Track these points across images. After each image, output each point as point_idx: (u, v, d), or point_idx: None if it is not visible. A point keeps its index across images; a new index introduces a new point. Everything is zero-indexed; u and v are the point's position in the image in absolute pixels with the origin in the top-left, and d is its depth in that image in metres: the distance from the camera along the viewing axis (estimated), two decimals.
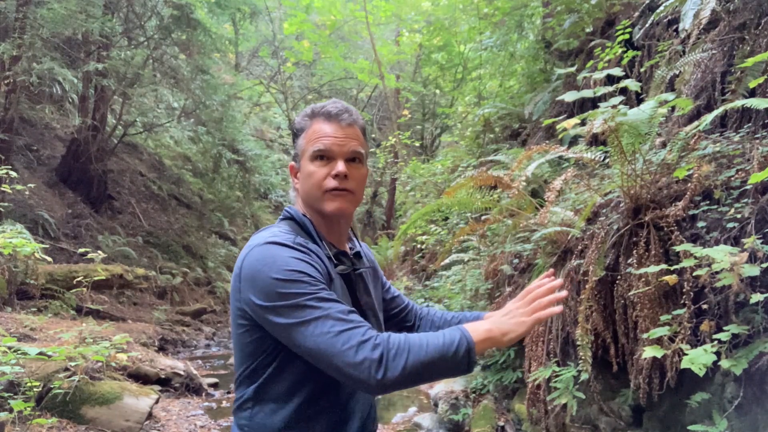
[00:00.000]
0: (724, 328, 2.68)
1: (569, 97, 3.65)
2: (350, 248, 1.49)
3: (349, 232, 1.50)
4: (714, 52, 3.86)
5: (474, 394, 5.01)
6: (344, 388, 1.35)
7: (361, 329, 1.18)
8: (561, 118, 4.45)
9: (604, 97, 3.56)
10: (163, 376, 5.87)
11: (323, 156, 1.35)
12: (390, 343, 1.17)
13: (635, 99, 4.61)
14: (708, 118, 3.03)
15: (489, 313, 1.44)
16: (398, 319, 1.63)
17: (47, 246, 7.40)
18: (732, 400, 2.75)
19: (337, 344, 1.16)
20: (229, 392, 6.28)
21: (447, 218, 7.54)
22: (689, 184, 3.20)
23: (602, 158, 3.82)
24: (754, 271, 2.52)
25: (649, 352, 2.74)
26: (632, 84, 3.57)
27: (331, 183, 1.33)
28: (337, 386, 1.34)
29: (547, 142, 5.38)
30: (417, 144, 14.96)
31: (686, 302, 2.88)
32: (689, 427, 2.80)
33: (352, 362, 1.15)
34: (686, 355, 2.61)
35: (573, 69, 5.19)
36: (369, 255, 1.59)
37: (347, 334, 1.17)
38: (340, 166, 1.33)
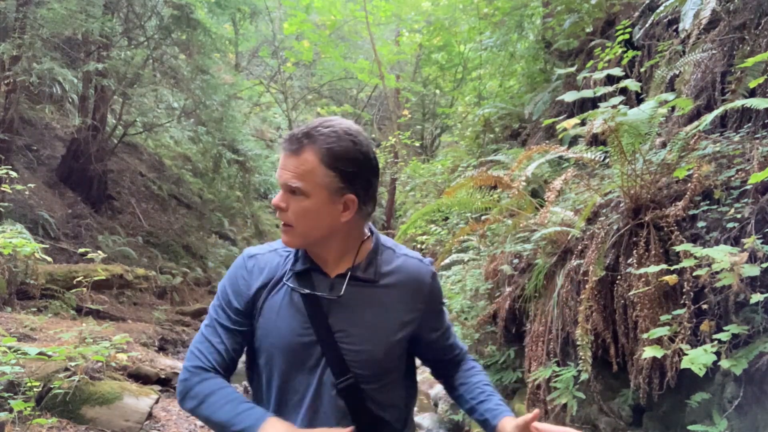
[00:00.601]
0: (724, 328, 2.68)
1: (569, 97, 3.65)
2: (349, 267, 1.37)
3: (355, 251, 1.38)
4: (714, 52, 3.86)
5: None
6: (289, 408, 1.37)
7: (197, 360, 1.36)
8: (561, 118, 4.45)
9: (604, 97, 3.57)
10: (163, 376, 5.86)
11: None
12: (192, 385, 1.34)
13: (635, 99, 4.61)
14: (708, 118, 3.03)
15: (507, 418, 1.36)
16: (432, 363, 1.54)
17: (47, 246, 7.40)
18: (732, 400, 2.75)
19: (186, 356, 1.41)
20: None
21: (447, 218, 7.53)
22: (689, 184, 3.21)
23: (602, 158, 3.82)
24: (754, 271, 2.52)
25: (649, 352, 2.74)
26: (632, 84, 3.58)
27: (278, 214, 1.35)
28: (283, 405, 1.39)
29: (547, 142, 5.38)
30: (417, 144, 14.95)
31: (686, 302, 2.88)
32: (689, 427, 2.80)
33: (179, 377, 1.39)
34: (686, 355, 2.61)
35: (573, 69, 5.20)
36: (399, 273, 1.39)
37: (191, 355, 1.38)
38: (275, 198, 1.31)
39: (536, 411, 1.26)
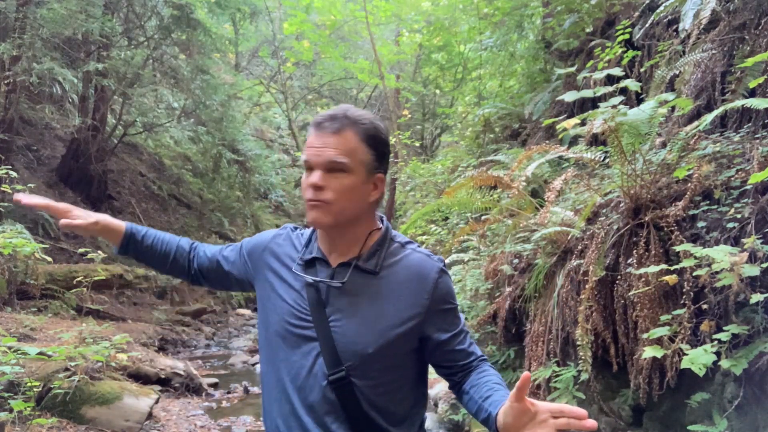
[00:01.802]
0: (724, 328, 2.68)
1: (569, 97, 3.65)
2: (353, 257, 1.39)
3: (363, 241, 1.40)
4: (714, 52, 3.86)
5: None
6: (271, 388, 1.44)
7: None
8: (561, 118, 4.45)
9: (604, 97, 3.57)
10: (163, 376, 5.86)
11: (309, 166, 1.36)
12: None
13: (635, 99, 4.61)
14: (708, 118, 3.03)
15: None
16: (446, 370, 1.44)
17: (47, 246, 7.39)
18: (732, 400, 2.75)
19: None
20: (228, 392, 6.28)
21: (447, 218, 7.53)
22: (689, 184, 3.21)
23: (602, 158, 3.82)
24: (754, 271, 2.52)
25: (649, 352, 2.75)
26: (632, 84, 3.58)
27: (309, 193, 1.34)
28: (270, 380, 1.45)
29: (547, 142, 5.38)
30: (417, 144, 14.95)
31: (686, 302, 2.88)
32: (689, 427, 2.80)
33: None
34: (686, 355, 2.61)
35: (573, 69, 5.20)
36: (400, 267, 1.39)
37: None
38: (314, 177, 1.33)
39: (526, 374, 1.14)
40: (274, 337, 1.42)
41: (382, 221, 1.46)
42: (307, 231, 1.51)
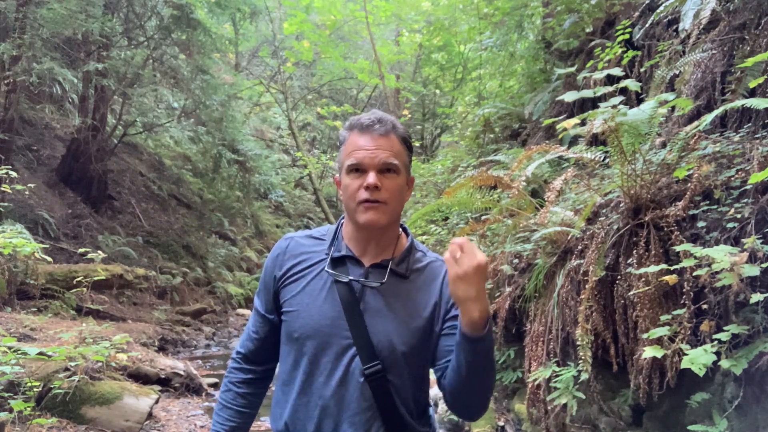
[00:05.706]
0: (724, 328, 2.68)
1: (569, 97, 3.65)
2: (385, 259, 1.44)
3: (394, 244, 1.47)
4: (714, 52, 3.86)
5: None
6: (300, 388, 1.43)
7: (240, 345, 1.58)
8: (561, 118, 4.45)
9: (604, 97, 3.57)
10: (163, 376, 5.86)
11: (357, 169, 1.38)
12: (223, 386, 1.57)
13: (635, 99, 4.61)
14: (708, 118, 3.03)
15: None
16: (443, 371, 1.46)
17: (47, 246, 7.39)
18: (732, 400, 2.75)
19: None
20: None
21: (447, 218, 7.53)
22: (689, 184, 3.20)
23: (602, 158, 3.82)
24: (754, 271, 2.52)
25: (649, 352, 2.74)
26: (632, 84, 3.58)
27: (363, 194, 1.37)
28: (296, 385, 1.44)
29: (547, 142, 5.38)
30: (417, 144, 14.95)
31: (686, 302, 2.88)
32: (689, 427, 2.80)
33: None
34: (686, 355, 2.61)
35: (573, 69, 5.20)
36: (425, 273, 1.47)
37: (242, 336, 1.59)
38: (370, 178, 1.36)
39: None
40: (300, 337, 1.42)
41: (402, 228, 1.52)
42: (323, 229, 1.54)
